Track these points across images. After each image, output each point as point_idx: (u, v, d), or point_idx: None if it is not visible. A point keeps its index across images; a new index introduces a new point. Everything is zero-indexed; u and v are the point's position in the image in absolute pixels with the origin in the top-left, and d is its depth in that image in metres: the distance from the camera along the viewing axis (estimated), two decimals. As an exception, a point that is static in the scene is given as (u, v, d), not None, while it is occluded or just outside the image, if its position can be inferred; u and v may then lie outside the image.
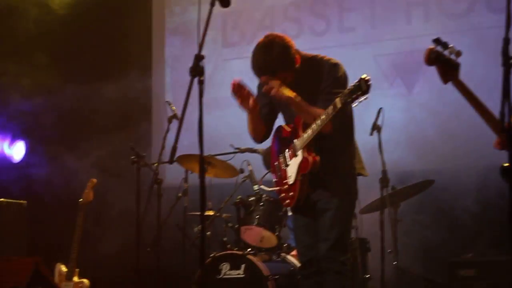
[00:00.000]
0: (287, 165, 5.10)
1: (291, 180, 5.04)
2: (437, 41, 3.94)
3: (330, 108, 4.70)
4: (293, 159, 5.04)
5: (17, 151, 8.93)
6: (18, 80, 8.66)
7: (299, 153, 4.97)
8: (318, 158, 4.93)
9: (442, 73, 3.98)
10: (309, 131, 4.88)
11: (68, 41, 8.90)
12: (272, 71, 4.91)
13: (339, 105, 4.63)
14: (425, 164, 7.61)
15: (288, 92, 4.89)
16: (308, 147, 4.94)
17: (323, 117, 4.74)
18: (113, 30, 8.85)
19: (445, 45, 3.93)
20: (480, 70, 6.89)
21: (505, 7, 3.42)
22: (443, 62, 3.94)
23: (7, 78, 8.67)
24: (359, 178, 5.23)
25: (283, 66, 4.93)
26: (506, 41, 3.40)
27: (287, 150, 5.12)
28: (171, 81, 8.88)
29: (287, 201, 5.13)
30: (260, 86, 5.14)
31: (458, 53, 3.92)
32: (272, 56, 4.89)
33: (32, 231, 8.04)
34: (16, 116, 8.91)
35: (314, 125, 4.83)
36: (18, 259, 6.34)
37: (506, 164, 3.61)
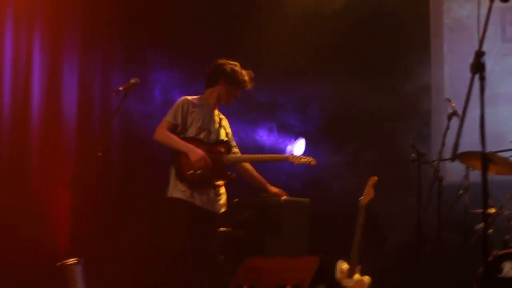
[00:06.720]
0: None
1: None
2: None
3: None
4: None
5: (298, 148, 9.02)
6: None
7: None
8: None
9: None
10: None
11: (348, 38, 9.06)
12: None
13: None
14: None
15: None
16: None
17: None
18: (390, 29, 8.90)
19: None
20: None
21: None
22: None
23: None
24: None
25: None
26: None
27: None
28: (449, 78, 8.79)
29: None
30: None
31: None
32: None
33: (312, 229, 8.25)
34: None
35: None
36: (302, 257, 6.55)
37: None
